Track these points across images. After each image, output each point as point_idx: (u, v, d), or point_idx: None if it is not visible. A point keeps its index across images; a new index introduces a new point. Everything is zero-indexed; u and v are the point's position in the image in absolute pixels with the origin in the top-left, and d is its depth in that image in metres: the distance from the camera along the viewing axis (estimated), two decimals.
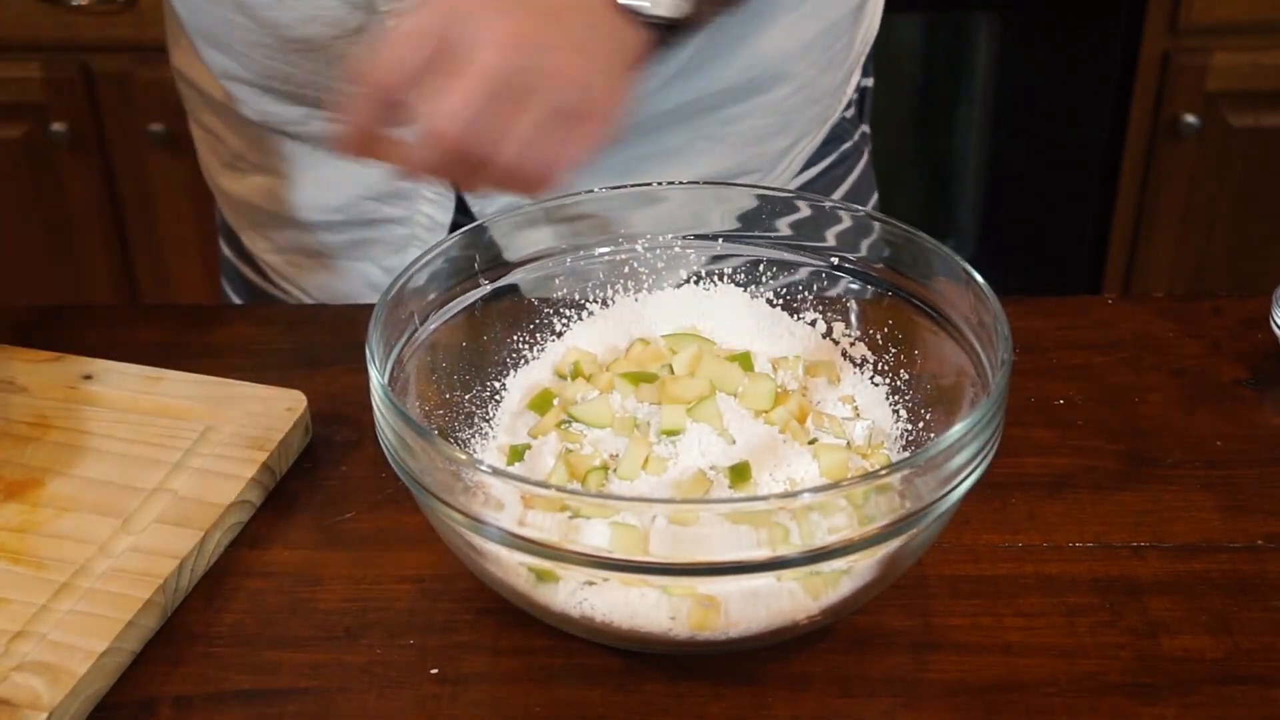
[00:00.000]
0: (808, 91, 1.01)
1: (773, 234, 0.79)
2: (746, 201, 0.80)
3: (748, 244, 0.80)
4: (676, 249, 0.80)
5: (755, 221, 0.79)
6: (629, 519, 0.59)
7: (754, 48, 0.95)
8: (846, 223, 0.77)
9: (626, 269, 0.80)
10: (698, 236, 0.80)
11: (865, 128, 1.12)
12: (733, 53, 0.94)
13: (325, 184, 0.99)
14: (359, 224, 1.00)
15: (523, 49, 0.69)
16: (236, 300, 1.14)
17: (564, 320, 0.80)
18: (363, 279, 1.03)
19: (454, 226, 0.98)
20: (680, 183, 0.81)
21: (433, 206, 0.98)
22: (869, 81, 1.11)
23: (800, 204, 0.78)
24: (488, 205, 0.97)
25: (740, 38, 0.94)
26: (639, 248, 0.80)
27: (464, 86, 0.68)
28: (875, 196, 1.14)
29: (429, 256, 0.74)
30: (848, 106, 1.08)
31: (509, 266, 0.78)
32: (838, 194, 1.08)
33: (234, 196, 1.06)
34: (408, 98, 0.69)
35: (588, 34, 0.71)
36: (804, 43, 0.98)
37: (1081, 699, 0.65)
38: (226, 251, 1.15)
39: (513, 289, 0.79)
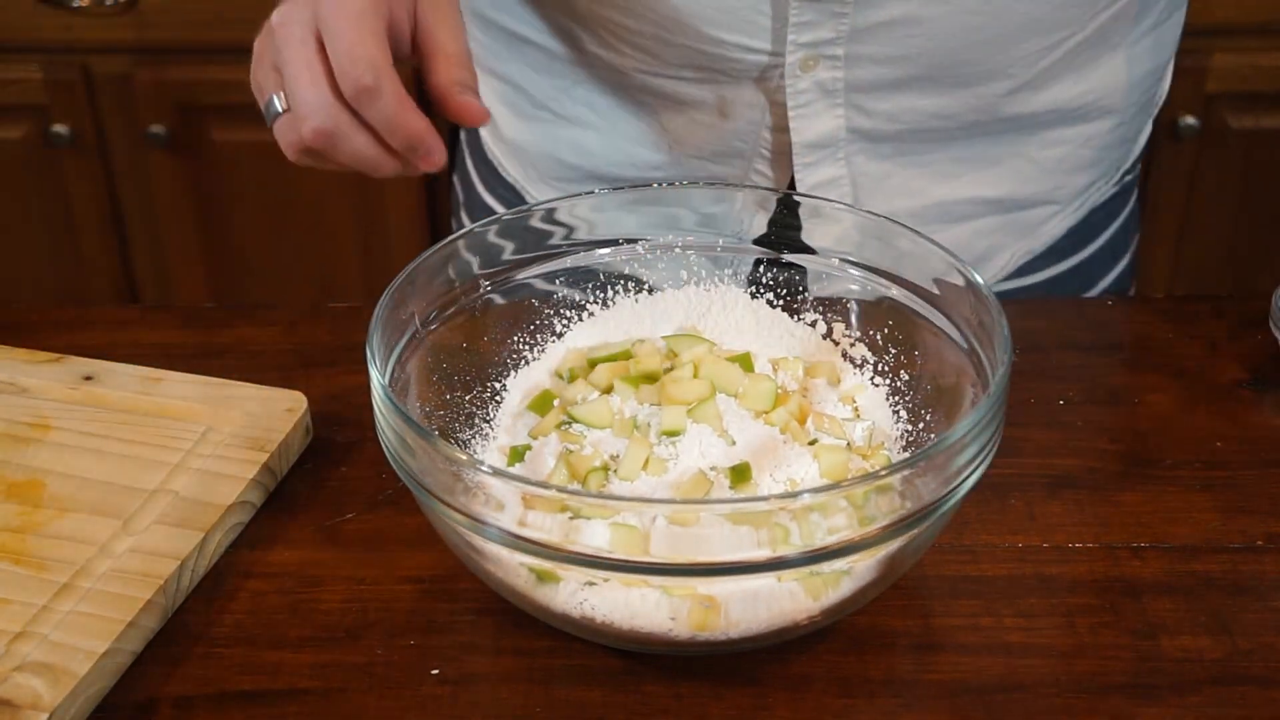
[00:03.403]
0: (1123, 130, 1.01)
1: (774, 235, 0.79)
2: (747, 201, 0.80)
3: (749, 245, 0.80)
4: (677, 250, 0.80)
5: (756, 221, 0.79)
6: (629, 519, 0.59)
7: (1099, 72, 0.94)
8: (847, 223, 0.77)
9: (627, 269, 0.80)
10: (699, 237, 0.80)
11: (1140, 162, 1.10)
12: (1080, 73, 0.94)
13: (646, 139, 0.96)
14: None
15: None
16: None
17: (564, 321, 0.80)
18: None
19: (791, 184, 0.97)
20: (680, 184, 0.81)
21: (767, 164, 0.95)
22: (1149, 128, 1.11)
23: (801, 204, 0.78)
24: (810, 173, 0.94)
25: (1094, 58, 0.94)
26: (639, 249, 0.80)
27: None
28: (1138, 236, 1.12)
29: (429, 257, 0.74)
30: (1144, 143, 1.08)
31: (509, 267, 0.78)
32: (1111, 229, 1.06)
33: (530, 149, 1.02)
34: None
35: None
36: (1135, 78, 0.97)
37: (1081, 699, 0.65)
38: (469, 224, 1.12)
39: (513, 290, 0.79)
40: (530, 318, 0.79)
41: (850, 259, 0.78)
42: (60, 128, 1.86)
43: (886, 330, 0.77)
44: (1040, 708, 0.65)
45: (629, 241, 0.80)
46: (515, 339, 0.79)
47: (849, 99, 0.91)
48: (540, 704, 0.66)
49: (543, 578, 0.64)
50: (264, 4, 0.75)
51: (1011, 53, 0.90)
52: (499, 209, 1.08)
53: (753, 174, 0.96)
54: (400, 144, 0.70)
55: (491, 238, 0.77)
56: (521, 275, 0.79)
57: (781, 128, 0.93)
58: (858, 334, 0.79)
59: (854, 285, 0.78)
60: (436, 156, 0.71)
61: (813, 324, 0.79)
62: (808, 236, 0.78)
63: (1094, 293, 1.07)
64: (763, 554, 0.59)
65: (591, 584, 0.63)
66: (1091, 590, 0.71)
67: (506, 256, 0.78)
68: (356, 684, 0.67)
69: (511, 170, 1.06)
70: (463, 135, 1.12)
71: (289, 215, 1.94)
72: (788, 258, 0.79)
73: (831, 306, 0.79)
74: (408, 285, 0.72)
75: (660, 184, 0.81)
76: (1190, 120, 1.84)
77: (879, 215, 0.77)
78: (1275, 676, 0.66)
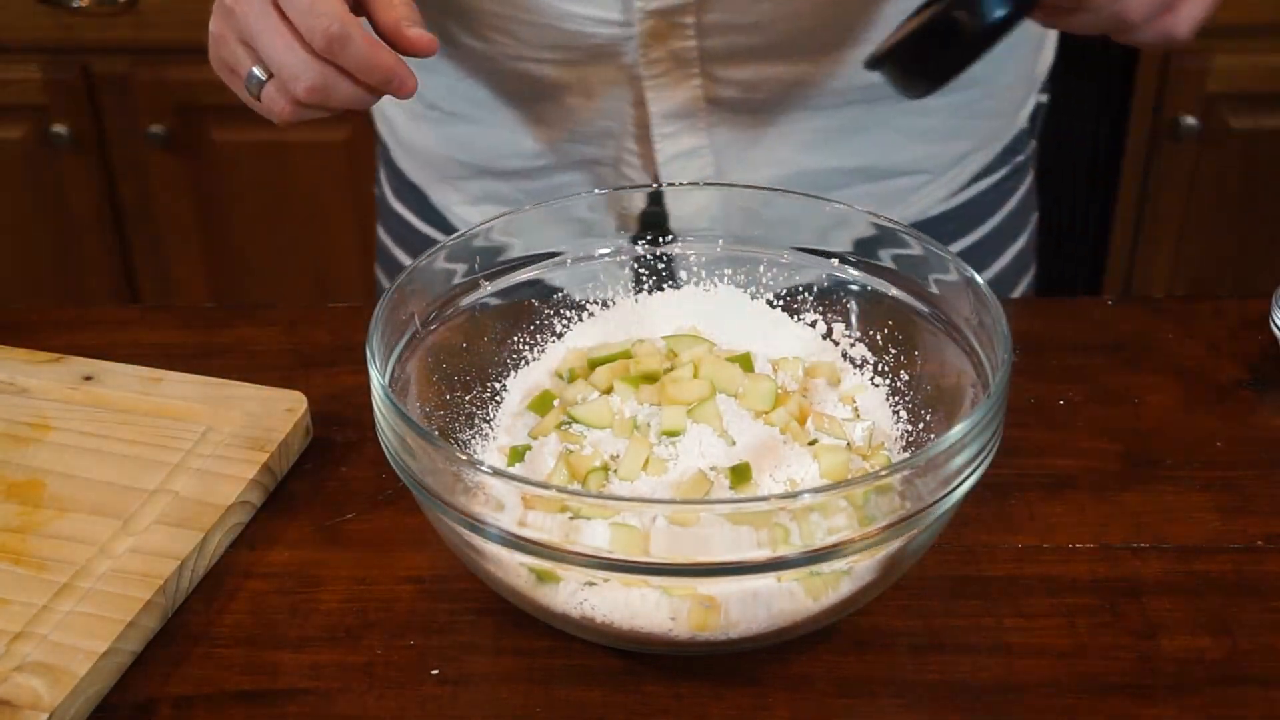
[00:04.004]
0: (994, 101, 1.01)
1: (774, 235, 0.79)
2: (748, 202, 0.80)
3: (748, 245, 0.80)
4: (677, 250, 0.80)
5: (756, 222, 0.79)
6: (629, 519, 0.59)
7: None
8: (846, 223, 0.77)
9: (626, 269, 0.80)
10: (698, 237, 0.80)
11: (1034, 143, 1.12)
12: None
13: (524, 128, 0.98)
14: (561, 168, 0.99)
15: None
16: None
17: (564, 321, 0.80)
18: None
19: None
20: (681, 184, 0.81)
21: (635, 142, 0.96)
22: (1045, 98, 1.11)
23: (801, 204, 0.78)
24: (670, 144, 0.95)
25: None
26: (639, 248, 0.80)
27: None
28: (1035, 217, 1.13)
29: (429, 257, 0.74)
30: (1030, 117, 1.08)
31: (509, 268, 0.78)
32: (1004, 210, 1.07)
33: (424, 149, 1.04)
34: None
35: None
36: (1004, 47, 0.98)
37: (1081, 700, 0.65)
38: (383, 233, 1.13)
39: (513, 290, 0.79)
40: (530, 318, 0.79)
41: (850, 259, 0.78)
42: (60, 128, 1.86)
43: (886, 330, 0.77)
44: (1040, 708, 0.65)
45: (628, 242, 0.80)
46: (515, 339, 0.79)
47: (705, 69, 0.92)
48: (540, 704, 0.66)
49: (543, 578, 0.64)
50: None
51: (867, 19, 0.90)
52: (408, 216, 1.10)
53: (624, 153, 0.97)
54: (377, 81, 0.73)
55: (491, 238, 0.77)
56: (521, 275, 0.79)
57: (642, 102, 0.94)
58: (858, 334, 0.79)
59: (854, 286, 0.78)
60: (410, 84, 0.74)
61: (813, 324, 0.79)
62: (810, 237, 0.78)
63: (992, 272, 1.07)
64: (763, 554, 0.59)
65: (591, 584, 0.63)
66: (1091, 590, 0.71)
67: (507, 256, 0.78)
68: (356, 684, 0.67)
69: (412, 173, 1.08)
70: (377, 146, 1.13)
71: (288, 215, 1.94)
72: (789, 258, 0.79)
73: (832, 307, 0.79)
74: (408, 285, 0.72)
75: (658, 184, 0.81)
76: (1190, 120, 1.84)
77: (878, 216, 0.76)
78: (1275, 676, 0.66)
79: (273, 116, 0.76)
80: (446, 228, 1.07)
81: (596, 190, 0.79)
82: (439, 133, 1.02)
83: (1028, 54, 1.03)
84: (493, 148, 1.00)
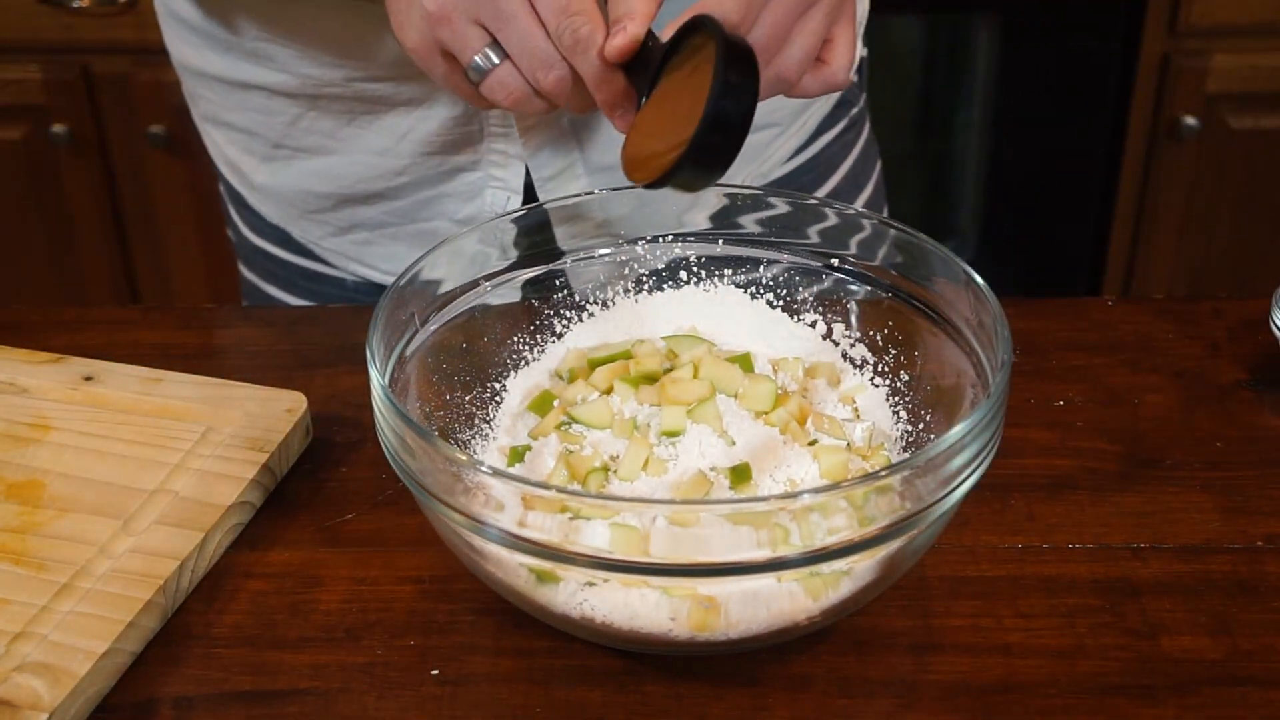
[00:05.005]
0: None
1: (773, 235, 0.79)
2: (748, 202, 0.80)
3: (748, 245, 0.80)
4: (677, 250, 0.80)
5: (755, 222, 0.79)
6: (629, 520, 0.59)
7: None
8: (847, 224, 0.77)
9: (626, 270, 0.80)
10: (698, 237, 0.80)
11: (864, 95, 1.14)
12: None
13: (382, 150, 0.96)
14: (427, 182, 0.98)
15: None
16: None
17: (564, 321, 0.80)
18: (435, 239, 0.99)
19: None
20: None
21: (500, 141, 0.95)
22: (865, 52, 1.13)
23: (801, 204, 0.78)
24: (534, 135, 0.94)
25: None
26: (639, 248, 0.80)
27: None
28: (879, 164, 1.15)
29: (429, 257, 0.74)
30: (855, 72, 1.09)
31: (509, 268, 0.78)
32: (850, 158, 1.09)
33: (280, 189, 1.03)
34: None
35: None
36: None
37: (1081, 700, 0.65)
38: (248, 273, 1.12)
39: (513, 290, 0.79)
40: (530, 318, 0.79)
41: (850, 260, 0.78)
42: (60, 128, 1.86)
43: (886, 331, 0.77)
44: (1040, 708, 0.65)
45: (628, 242, 0.80)
46: (515, 339, 0.79)
47: None
48: (540, 704, 0.66)
49: (543, 578, 0.64)
50: None
51: None
52: (274, 250, 1.08)
53: (490, 153, 0.96)
54: (603, 99, 0.71)
55: (491, 238, 0.77)
56: (521, 275, 0.79)
57: None
58: (858, 335, 0.79)
59: (854, 286, 0.78)
60: (622, 126, 0.72)
61: (813, 325, 0.79)
62: (809, 237, 0.78)
63: None
64: (763, 554, 0.59)
65: (591, 584, 0.63)
66: (1091, 590, 0.71)
67: (506, 257, 0.78)
68: (356, 684, 0.67)
69: (271, 215, 1.06)
70: (221, 188, 1.12)
71: None
72: (789, 258, 0.79)
73: (831, 307, 0.79)
74: (408, 285, 0.72)
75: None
76: (1190, 120, 1.84)
77: (877, 216, 0.76)
78: (1275, 677, 0.66)
79: (495, 99, 0.74)
80: (317, 258, 1.06)
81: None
82: (292, 170, 1.00)
83: None
84: (353, 173, 0.98)
